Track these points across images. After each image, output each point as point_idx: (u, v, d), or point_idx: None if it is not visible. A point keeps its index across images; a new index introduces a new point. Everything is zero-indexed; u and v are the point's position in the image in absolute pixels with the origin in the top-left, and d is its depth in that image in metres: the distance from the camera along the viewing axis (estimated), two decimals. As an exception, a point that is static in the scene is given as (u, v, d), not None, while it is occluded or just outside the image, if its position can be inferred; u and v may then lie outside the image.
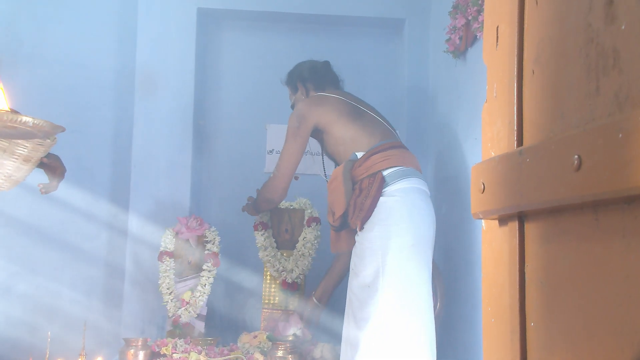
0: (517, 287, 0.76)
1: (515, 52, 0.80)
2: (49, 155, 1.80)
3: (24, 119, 1.51)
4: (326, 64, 2.60)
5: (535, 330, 0.73)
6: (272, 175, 2.44)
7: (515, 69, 0.80)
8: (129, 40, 3.14)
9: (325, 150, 2.44)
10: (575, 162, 0.58)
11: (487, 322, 0.85)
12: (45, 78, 3.03)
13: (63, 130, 1.57)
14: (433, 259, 2.25)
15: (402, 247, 2.09)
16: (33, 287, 2.87)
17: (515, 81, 0.79)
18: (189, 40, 3.14)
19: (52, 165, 1.83)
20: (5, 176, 1.68)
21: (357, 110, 2.36)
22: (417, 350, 2.04)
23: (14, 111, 1.56)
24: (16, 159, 1.67)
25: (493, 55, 0.88)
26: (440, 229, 2.26)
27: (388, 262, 2.08)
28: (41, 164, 1.80)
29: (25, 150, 1.67)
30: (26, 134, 1.60)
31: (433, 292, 2.20)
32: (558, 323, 0.69)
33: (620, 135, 0.53)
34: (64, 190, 2.81)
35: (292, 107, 2.61)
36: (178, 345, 2.48)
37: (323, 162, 2.65)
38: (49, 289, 2.88)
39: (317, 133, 2.39)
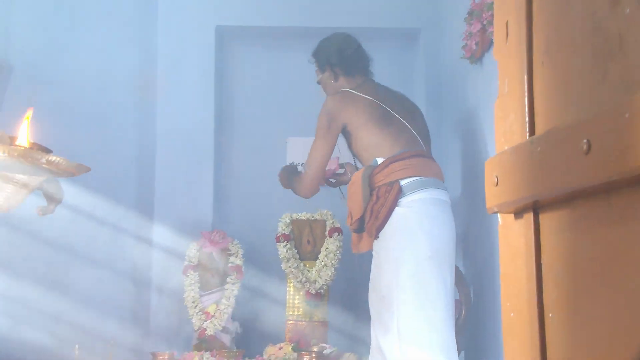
0: (535, 279, 0.76)
1: (525, 45, 0.80)
2: (48, 180, 1.81)
3: (54, 159, 1.45)
4: (357, 49, 2.48)
5: (553, 322, 0.72)
6: (303, 172, 2.40)
7: (526, 61, 0.80)
8: (149, 59, 3.20)
9: (350, 149, 2.40)
10: (585, 146, 0.58)
11: (507, 317, 0.85)
12: (66, 99, 3.07)
13: (88, 170, 1.55)
14: (457, 267, 2.23)
15: (418, 259, 2.08)
16: (62, 302, 2.92)
17: (526, 74, 0.80)
18: (208, 57, 3.20)
19: (49, 191, 1.85)
20: (3, 199, 1.67)
21: (387, 116, 2.31)
22: None
23: (37, 146, 1.52)
24: (15, 183, 1.66)
25: (503, 50, 0.89)
26: (462, 235, 2.25)
27: (403, 274, 2.06)
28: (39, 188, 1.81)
29: (24, 177, 1.66)
30: (45, 172, 1.56)
31: (457, 300, 2.18)
32: (577, 312, 0.68)
33: (627, 114, 0.53)
34: (91, 207, 2.87)
35: (318, 82, 2.54)
36: (204, 359, 2.49)
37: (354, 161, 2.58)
38: (76, 304, 2.92)
39: (345, 132, 2.36)
